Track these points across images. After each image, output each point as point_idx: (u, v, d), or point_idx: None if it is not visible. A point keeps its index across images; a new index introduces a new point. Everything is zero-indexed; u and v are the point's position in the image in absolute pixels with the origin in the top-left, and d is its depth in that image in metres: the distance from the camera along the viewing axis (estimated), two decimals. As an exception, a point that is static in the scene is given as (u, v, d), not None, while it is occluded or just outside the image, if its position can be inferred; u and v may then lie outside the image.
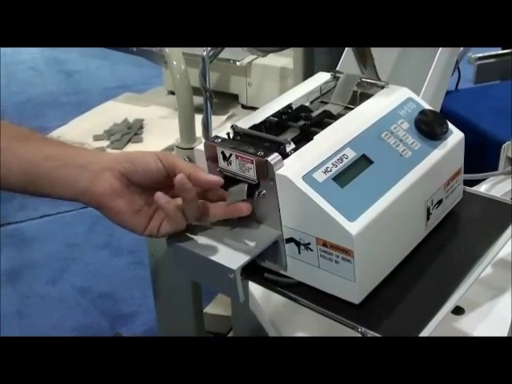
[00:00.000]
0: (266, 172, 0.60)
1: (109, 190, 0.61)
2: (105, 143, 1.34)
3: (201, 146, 0.65)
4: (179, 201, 0.62)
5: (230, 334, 1.64)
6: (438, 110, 0.81)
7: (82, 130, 1.40)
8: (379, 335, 0.58)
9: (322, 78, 0.77)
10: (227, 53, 1.05)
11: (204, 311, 1.63)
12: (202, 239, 0.64)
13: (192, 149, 0.67)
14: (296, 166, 0.60)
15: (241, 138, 0.63)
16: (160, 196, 0.60)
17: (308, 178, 0.60)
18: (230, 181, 0.64)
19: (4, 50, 4.23)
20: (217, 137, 0.64)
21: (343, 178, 0.61)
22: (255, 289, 0.82)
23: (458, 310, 0.77)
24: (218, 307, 1.76)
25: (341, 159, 0.63)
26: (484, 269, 0.65)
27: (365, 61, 0.74)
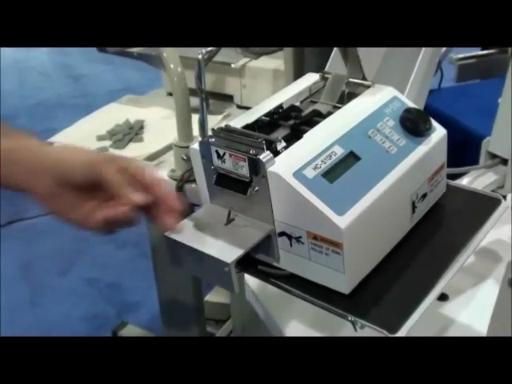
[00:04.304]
0: (258, 169, 0.59)
1: (44, 191, 0.59)
2: (107, 143, 1.33)
3: (196, 145, 0.64)
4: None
5: (229, 322, 1.62)
6: (422, 107, 0.80)
7: (86, 130, 1.38)
8: (368, 323, 0.57)
9: (311, 78, 0.76)
10: (222, 56, 1.04)
11: (204, 300, 1.62)
12: (197, 234, 0.63)
13: (188, 147, 0.66)
14: (287, 164, 0.59)
15: (234, 137, 0.62)
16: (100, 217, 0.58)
17: (298, 174, 0.59)
18: (225, 178, 0.63)
19: (17, 55, 4.20)
20: (211, 136, 0.63)
21: (332, 174, 0.61)
22: (251, 280, 0.82)
23: (443, 297, 0.77)
24: (217, 296, 1.75)
25: (329, 156, 0.62)
26: (467, 258, 0.64)
27: (352, 62, 0.73)
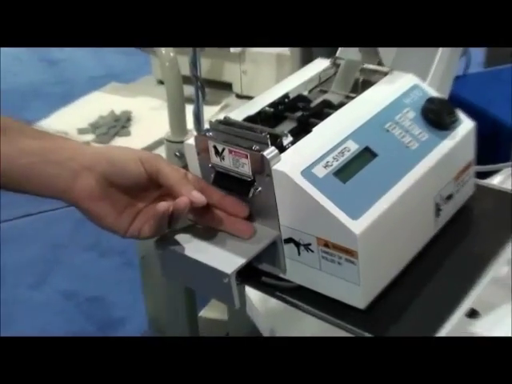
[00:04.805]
0: (261, 167, 0.60)
1: (87, 193, 0.61)
2: (90, 137, 1.33)
3: (191, 140, 0.65)
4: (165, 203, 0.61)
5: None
6: (447, 96, 0.80)
7: (66, 123, 1.38)
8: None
9: (321, 64, 0.76)
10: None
11: (199, 315, 1.62)
12: (192, 241, 0.63)
13: (182, 142, 0.67)
14: (294, 161, 0.60)
15: (234, 131, 0.62)
16: (162, 206, 0.59)
17: (307, 173, 0.59)
18: (224, 178, 0.63)
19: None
20: (208, 130, 0.63)
21: (345, 172, 0.61)
22: (252, 293, 0.82)
23: (472, 313, 0.76)
24: (213, 311, 1.74)
25: (342, 152, 0.62)
26: (500, 268, 0.65)
27: (367, 45, 0.71)
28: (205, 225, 0.64)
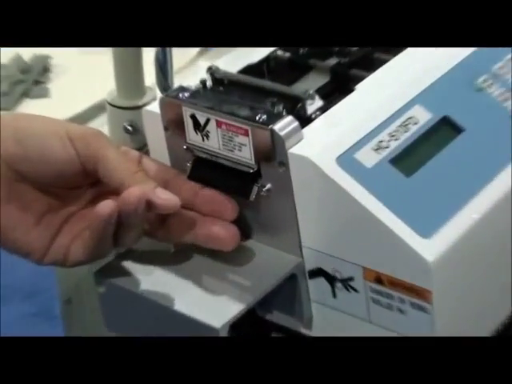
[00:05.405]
0: (271, 151, 0.54)
1: None
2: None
3: (154, 106, 0.60)
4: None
5: None
6: None
7: None
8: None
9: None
10: None
11: None
12: (155, 272, 0.59)
13: (138, 109, 0.66)
14: (325, 140, 0.54)
15: (225, 91, 0.59)
16: (106, 208, 0.54)
17: (347, 160, 0.53)
18: (208, 168, 0.59)
19: None
20: (182, 88, 0.58)
21: (409, 159, 0.55)
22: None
23: None
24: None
25: (405, 126, 0.56)
26: None
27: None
28: (169, 238, 0.60)
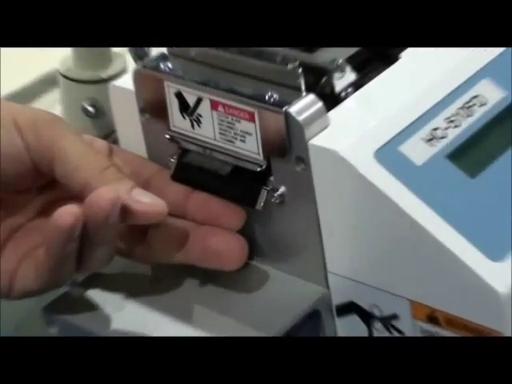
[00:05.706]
0: (286, 143, 0.46)
1: None
2: None
3: (124, 80, 0.53)
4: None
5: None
6: None
7: None
8: None
9: None
10: None
11: None
12: (134, 309, 0.51)
13: (103, 83, 0.63)
14: (359, 127, 0.46)
15: (223, 60, 0.52)
16: (66, 215, 0.45)
17: (389, 154, 0.46)
18: (198, 164, 0.51)
19: None
20: (164, 56, 0.52)
21: (474, 154, 0.48)
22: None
23: None
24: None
25: (467, 108, 0.49)
26: None
27: None
28: (151, 258, 0.52)
